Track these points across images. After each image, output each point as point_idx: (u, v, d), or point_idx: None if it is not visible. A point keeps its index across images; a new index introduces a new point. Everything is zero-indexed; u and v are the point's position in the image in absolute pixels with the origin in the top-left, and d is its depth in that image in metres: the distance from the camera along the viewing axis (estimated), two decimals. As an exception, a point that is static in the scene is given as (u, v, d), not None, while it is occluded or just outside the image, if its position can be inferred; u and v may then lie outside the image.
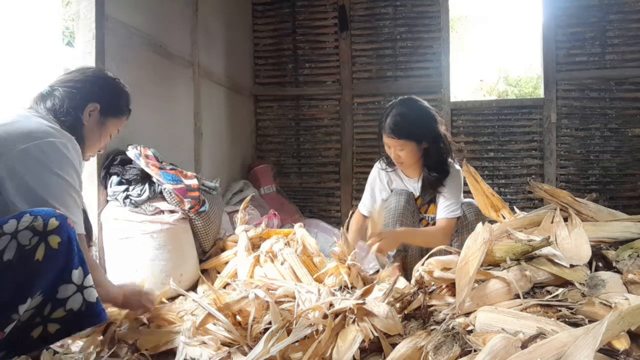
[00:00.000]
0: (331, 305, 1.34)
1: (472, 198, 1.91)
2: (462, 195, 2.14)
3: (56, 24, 2.42)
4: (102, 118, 1.41)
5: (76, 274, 1.09)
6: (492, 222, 1.56)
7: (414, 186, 2.20)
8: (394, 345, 1.11)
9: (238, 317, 1.46)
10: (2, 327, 1.00)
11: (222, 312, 1.40)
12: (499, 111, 4.23)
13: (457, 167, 2.15)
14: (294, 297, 1.64)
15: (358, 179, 4.37)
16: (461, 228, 2.10)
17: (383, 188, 2.27)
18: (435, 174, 2.08)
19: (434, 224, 2.17)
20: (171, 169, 2.25)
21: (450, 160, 2.14)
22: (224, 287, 2.15)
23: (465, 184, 1.89)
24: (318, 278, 1.99)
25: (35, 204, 1.13)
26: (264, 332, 1.26)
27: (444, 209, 2.08)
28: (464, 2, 12.65)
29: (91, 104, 1.37)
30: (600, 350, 0.89)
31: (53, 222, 1.04)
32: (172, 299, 2.01)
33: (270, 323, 1.33)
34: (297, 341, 1.18)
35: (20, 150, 1.14)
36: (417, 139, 2.01)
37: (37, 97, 1.36)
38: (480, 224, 1.38)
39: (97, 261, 2.14)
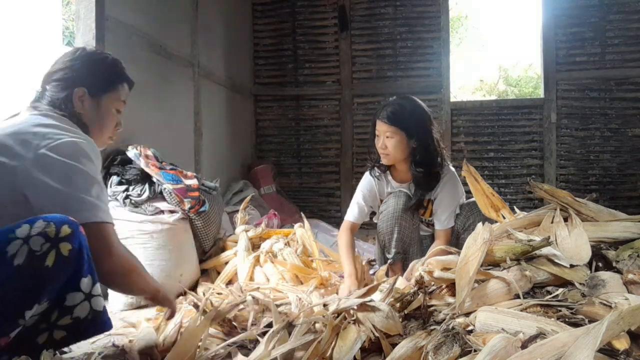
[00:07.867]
0: (325, 305, 1.34)
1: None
2: (459, 200, 2.14)
3: (56, 24, 2.42)
4: (95, 99, 1.32)
5: (85, 282, 1.08)
6: (492, 222, 1.56)
7: (405, 192, 2.18)
8: (394, 345, 1.10)
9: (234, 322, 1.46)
10: (8, 331, 0.99)
11: (217, 319, 1.38)
12: (499, 111, 4.23)
13: (452, 169, 2.15)
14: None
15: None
16: (469, 232, 2.08)
17: (374, 197, 2.25)
18: (421, 169, 2.07)
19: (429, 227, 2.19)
20: (171, 169, 2.25)
21: (446, 163, 2.13)
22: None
23: (465, 184, 1.89)
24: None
25: (63, 201, 1.12)
26: (262, 335, 1.26)
27: (441, 221, 2.10)
28: (464, 2, 12.66)
29: (76, 89, 1.29)
30: (600, 350, 0.89)
31: (65, 229, 1.03)
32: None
33: (267, 326, 1.33)
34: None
35: (36, 155, 1.12)
36: (407, 132, 2.03)
37: (34, 100, 1.32)
38: (480, 224, 1.38)
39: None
